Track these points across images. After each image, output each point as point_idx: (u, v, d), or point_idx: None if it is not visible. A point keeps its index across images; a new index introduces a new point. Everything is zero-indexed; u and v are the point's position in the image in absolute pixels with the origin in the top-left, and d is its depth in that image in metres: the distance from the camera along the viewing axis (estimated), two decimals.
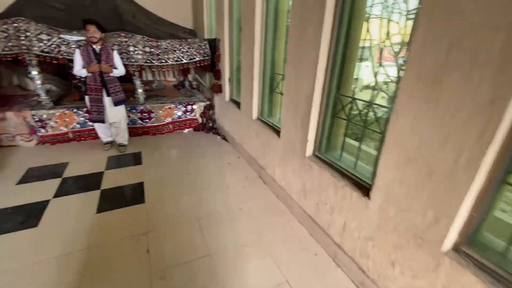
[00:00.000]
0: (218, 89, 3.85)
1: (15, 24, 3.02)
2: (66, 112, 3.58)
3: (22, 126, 3.47)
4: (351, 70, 1.77)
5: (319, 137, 1.93)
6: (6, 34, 3.02)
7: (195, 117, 4.33)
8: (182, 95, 4.57)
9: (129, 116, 3.89)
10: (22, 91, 4.18)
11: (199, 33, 4.66)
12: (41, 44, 3.18)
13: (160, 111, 4.04)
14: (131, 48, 3.49)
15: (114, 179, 2.83)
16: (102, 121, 3.23)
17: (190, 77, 5.21)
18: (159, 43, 3.58)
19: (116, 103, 3.22)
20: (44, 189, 2.58)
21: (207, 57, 3.87)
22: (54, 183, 2.69)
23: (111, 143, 3.56)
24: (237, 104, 3.45)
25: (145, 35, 3.55)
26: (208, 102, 4.31)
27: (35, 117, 3.46)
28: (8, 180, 2.72)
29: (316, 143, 1.95)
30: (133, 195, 2.56)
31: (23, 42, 3.09)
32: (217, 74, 3.79)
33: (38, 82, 3.36)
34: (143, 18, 3.71)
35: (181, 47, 3.68)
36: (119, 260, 1.82)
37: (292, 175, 2.22)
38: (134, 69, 3.62)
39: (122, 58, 3.47)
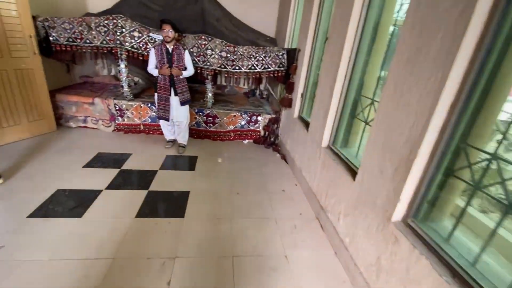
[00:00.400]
0: (287, 103, 3.47)
1: (115, 21, 3.30)
2: (142, 105, 3.77)
3: (105, 112, 3.81)
4: (494, 112, 1.12)
5: (420, 198, 1.31)
6: (106, 29, 3.32)
7: (257, 129, 4.05)
8: (249, 104, 4.37)
9: (195, 118, 3.87)
10: (116, 81, 4.67)
11: (279, 42, 4.41)
12: (132, 40, 3.40)
13: (225, 118, 3.90)
14: (209, 52, 3.44)
15: (164, 181, 2.73)
16: (167, 119, 3.24)
17: (262, 86, 5.01)
18: (236, 49, 3.43)
19: (182, 103, 3.19)
20: (102, 178, 2.65)
21: (282, 68, 3.54)
22: (112, 173, 2.75)
23: (173, 142, 3.57)
24: (306, 123, 3.00)
25: (225, 39, 3.45)
26: (274, 116, 3.97)
27: (116, 106, 3.75)
28: (78, 161, 2.92)
29: (412, 206, 1.34)
30: (175, 205, 2.38)
31: (118, 37, 3.36)
32: (290, 87, 3.41)
33: (124, 75, 3.62)
34: (226, 23, 3.65)
35: (257, 55, 3.46)
36: (137, 284, 1.58)
37: (364, 237, 1.64)
38: (208, 72, 3.56)
39: (198, 61, 3.46)
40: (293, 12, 3.82)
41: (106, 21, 3.30)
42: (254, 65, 3.51)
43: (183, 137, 3.46)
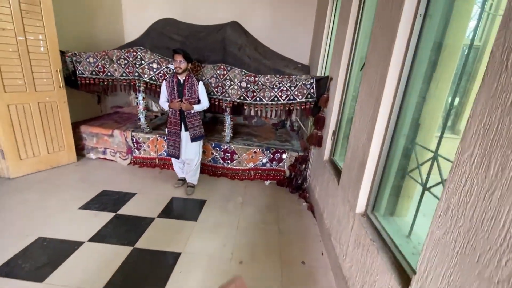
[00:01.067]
0: (316, 141, 2.84)
1: (135, 53, 3.21)
2: (158, 138, 3.54)
3: (123, 144, 3.67)
4: None
5: None
6: (126, 61, 3.24)
7: (282, 168, 3.45)
8: (276, 138, 3.84)
9: (212, 153, 3.47)
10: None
11: (312, 70, 3.89)
12: (151, 72, 3.25)
13: (244, 154, 3.42)
14: (227, 82, 3.08)
15: (156, 234, 2.28)
16: (177, 157, 2.89)
17: (293, 117, 4.47)
18: (257, 79, 3.01)
19: (193, 139, 2.82)
20: (91, 224, 2.32)
21: (310, 99, 2.98)
22: (105, 219, 2.42)
23: (184, 181, 3.18)
24: (337, 171, 2.32)
25: (246, 68, 3.08)
26: (302, 154, 3.35)
27: (133, 138, 3.58)
28: (78, 199, 2.69)
29: None
30: (158, 272, 1.88)
31: (137, 69, 3.24)
32: (319, 122, 2.80)
33: (141, 107, 3.47)
34: (250, 51, 3.31)
35: (281, 85, 2.97)
36: None
37: None
38: (226, 104, 3.19)
39: (216, 92, 3.12)
40: (326, 34, 3.31)
41: (126, 54, 3.23)
42: (277, 96, 3.02)
43: (192, 176, 3.05)
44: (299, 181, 3.33)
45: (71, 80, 3.49)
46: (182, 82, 2.71)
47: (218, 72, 3.10)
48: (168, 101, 2.78)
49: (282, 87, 2.99)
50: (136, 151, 3.65)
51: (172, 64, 3.15)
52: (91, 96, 4.21)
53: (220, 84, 3.11)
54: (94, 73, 3.35)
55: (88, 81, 3.40)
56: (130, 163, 3.70)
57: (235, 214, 2.68)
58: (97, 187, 2.99)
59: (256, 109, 3.15)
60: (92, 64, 3.32)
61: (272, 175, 3.46)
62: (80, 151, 3.80)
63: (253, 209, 2.80)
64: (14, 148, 2.97)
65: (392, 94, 1.47)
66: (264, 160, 3.42)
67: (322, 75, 3.36)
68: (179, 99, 2.70)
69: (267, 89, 3.02)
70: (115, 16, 4.57)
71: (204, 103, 2.83)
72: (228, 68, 3.06)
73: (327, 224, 2.31)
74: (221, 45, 3.22)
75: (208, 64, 3.16)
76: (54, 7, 3.27)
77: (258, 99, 3.08)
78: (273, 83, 2.99)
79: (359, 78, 2.26)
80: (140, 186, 3.08)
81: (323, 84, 2.83)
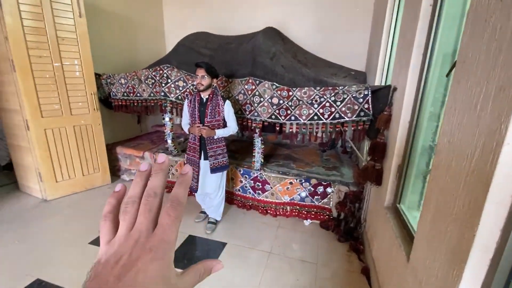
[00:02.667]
0: (373, 176, 2.01)
1: (161, 71, 2.98)
2: (185, 162, 3.22)
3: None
4: None
5: None
6: (153, 81, 3.04)
7: (327, 206, 2.68)
8: (321, 163, 3.09)
9: (240, 182, 2.95)
10: (181, 130, 4.49)
11: (370, 77, 3.06)
12: (177, 91, 2.97)
13: (278, 185, 2.78)
14: (256, 99, 2.55)
15: None
16: (194, 190, 2.46)
17: (347, 135, 3.63)
18: (291, 93, 2.38)
19: (213, 170, 2.35)
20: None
21: (364, 118, 2.18)
22: None
23: (206, 215, 2.73)
24: (405, 231, 1.50)
25: (278, 81, 2.50)
26: (355, 189, 2.53)
27: None
28: (92, 232, 2.48)
29: None
30: None
31: (163, 88, 3.01)
32: (377, 151, 1.98)
33: (168, 128, 3.21)
34: (286, 59, 2.72)
35: (322, 99, 2.27)
36: None
37: None
38: (255, 125, 2.65)
39: (244, 111, 2.61)
40: (388, 26, 2.48)
41: (153, 73, 3.03)
42: (318, 114, 2.32)
43: (214, 212, 2.57)
44: (351, 225, 2.51)
45: (108, 102, 3.50)
46: (205, 101, 2.30)
47: (246, 87, 2.60)
48: (190, 124, 2.40)
49: (324, 102, 2.28)
50: None
51: None
52: (131, 116, 4.24)
53: (248, 101, 2.60)
54: (125, 94, 3.27)
55: (120, 103, 3.33)
56: None
57: (257, 271, 2.05)
58: None
59: (291, 130, 2.51)
60: (124, 85, 3.24)
61: (313, 213, 2.72)
62: (117, 172, 3.78)
63: (282, 264, 2.12)
64: (51, 171, 3.02)
65: None
66: (303, 194, 2.71)
67: (382, 84, 2.52)
68: (199, 123, 2.29)
69: (304, 106, 2.36)
70: (157, 36, 4.62)
71: (231, 127, 2.35)
72: (257, 82, 2.53)
73: None
74: (250, 55, 2.73)
75: (235, 78, 2.70)
76: (97, 30, 3.36)
77: (293, 117, 2.44)
78: (312, 97, 2.31)
79: (442, 87, 1.44)
80: None
81: (382, 96, 2.03)
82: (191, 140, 2.38)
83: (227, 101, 2.33)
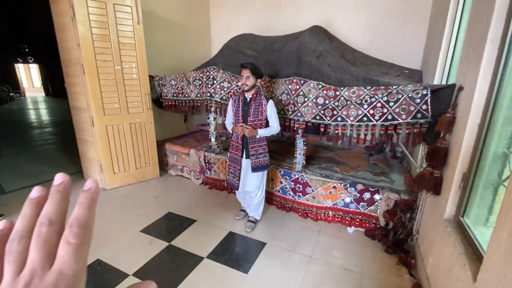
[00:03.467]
0: (431, 185, 1.82)
1: (208, 73, 3.11)
2: (228, 160, 3.30)
3: (197, 164, 3.64)
4: None
5: None
6: (200, 82, 3.19)
7: (373, 214, 2.51)
8: (367, 168, 2.91)
9: (280, 182, 2.93)
10: (223, 129, 4.64)
11: (427, 76, 2.79)
12: (222, 92, 3.07)
13: (320, 188, 2.69)
14: (300, 99, 2.50)
15: (197, 283, 1.92)
16: (235, 187, 2.51)
17: (396, 139, 3.36)
18: (338, 93, 2.29)
19: (254, 169, 2.37)
20: (142, 254, 2.20)
21: (421, 120, 1.99)
22: (156, 249, 2.26)
23: (246, 213, 2.76)
24: (471, 248, 1.33)
25: (324, 80, 2.42)
26: (406, 197, 2.33)
27: (206, 158, 3.49)
28: (144, 220, 2.70)
29: None
30: None
31: (209, 89, 3.13)
32: (437, 156, 1.78)
33: (212, 127, 3.33)
34: (333, 58, 2.62)
35: (373, 99, 2.13)
36: None
37: None
38: (298, 125, 2.60)
39: (287, 111, 2.60)
40: (451, 24, 2.23)
41: (200, 74, 3.18)
42: (368, 115, 2.18)
43: (253, 211, 2.59)
44: (401, 236, 2.31)
45: (159, 102, 3.78)
46: (248, 100, 2.34)
47: (289, 87, 2.57)
48: (233, 123, 2.46)
49: (374, 103, 2.14)
50: (208, 171, 3.54)
51: None
52: (179, 116, 4.50)
53: (291, 102, 2.57)
54: (175, 94, 3.48)
55: (171, 103, 3.56)
56: (202, 183, 3.62)
57: (297, 275, 2.00)
58: (167, 206, 2.98)
59: (337, 131, 2.41)
60: (174, 86, 3.46)
61: (358, 220, 2.57)
62: (165, 166, 4.05)
63: (324, 271, 2.04)
64: (110, 163, 3.36)
65: None
66: (347, 200, 2.58)
67: (442, 83, 2.27)
68: (242, 122, 2.34)
69: (352, 106, 2.24)
70: (203, 40, 4.83)
71: (273, 127, 2.35)
72: (302, 82, 2.49)
73: None
74: (295, 55, 2.69)
75: (279, 78, 2.69)
76: (151, 35, 3.65)
77: (339, 118, 2.33)
78: (361, 97, 2.19)
79: None
80: (202, 213, 2.86)
81: (443, 97, 1.82)
82: (234, 139, 2.43)
83: (270, 101, 2.33)
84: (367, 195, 2.49)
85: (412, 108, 1.99)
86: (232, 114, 2.43)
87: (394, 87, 2.08)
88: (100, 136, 3.21)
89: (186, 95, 3.37)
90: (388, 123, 2.11)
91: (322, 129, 2.48)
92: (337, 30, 3.60)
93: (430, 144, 1.94)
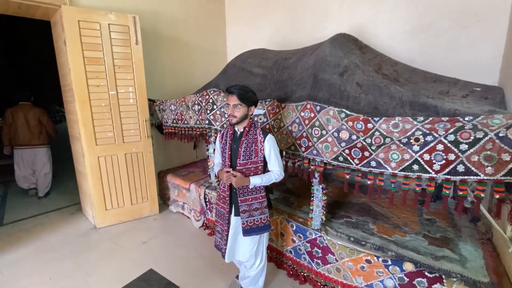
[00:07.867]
0: None
1: (207, 96, 2.58)
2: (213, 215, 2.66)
3: (197, 202, 3.07)
4: None
5: None
6: (199, 107, 2.67)
7: None
8: (418, 229, 2.00)
9: (293, 242, 2.17)
10: None
11: (510, 94, 1.86)
12: (223, 118, 2.50)
13: (347, 258, 1.87)
14: (315, 131, 1.79)
15: None
16: (222, 252, 1.84)
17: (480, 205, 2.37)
18: (370, 125, 1.52)
19: (246, 231, 1.69)
20: None
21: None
22: None
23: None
24: None
25: (350, 106, 1.69)
26: (486, 280, 1.39)
27: (206, 197, 2.91)
28: (123, 276, 2.16)
29: None
30: None
31: (208, 115, 2.59)
32: None
33: (212, 161, 2.75)
34: (364, 74, 1.88)
35: (429, 137, 1.33)
36: None
37: None
38: (314, 167, 1.87)
39: (299, 146, 1.90)
40: None
41: (200, 98, 2.66)
42: (420, 161, 1.37)
43: (250, 285, 1.87)
44: None
45: (162, 128, 3.36)
46: (238, 135, 1.72)
47: (302, 114, 1.88)
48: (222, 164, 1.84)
49: (432, 144, 1.33)
50: (209, 212, 2.93)
51: (260, 109, 2.22)
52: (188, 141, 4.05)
53: (304, 134, 1.86)
54: (174, 121, 3.02)
55: (171, 130, 3.11)
56: (202, 226, 3.01)
57: None
58: (149, 260, 2.43)
59: (370, 181, 1.62)
60: (173, 112, 3.01)
61: None
62: (167, 200, 3.57)
63: None
64: (101, 198, 2.96)
65: None
66: (389, 283, 1.71)
67: None
68: (230, 165, 1.70)
69: (394, 146, 1.46)
70: (218, 58, 4.41)
71: (273, 172, 1.67)
72: (317, 108, 1.78)
73: None
74: (311, 71, 2.01)
75: (289, 103, 2.02)
76: (155, 55, 3.33)
77: (374, 163, 1.55)
78: (409, 133, 1.40)
79: None
80: (188, 277, 2.22)
81: None
82: (221, 187, 1.79)
83: (269, 136, 1.67)
84: (422, 283, 1.59)
85: (506, 157, 1.14)
86: (219, 153, 1.82)
87: (466, 119, 1.25)
88: (91, 168, 2.86)
89: (185, 121, 2.88)
90: (459, 178, 1.27)
91: (347, 176, 1.70)
92: (373, 39, 2.83)
93: None
